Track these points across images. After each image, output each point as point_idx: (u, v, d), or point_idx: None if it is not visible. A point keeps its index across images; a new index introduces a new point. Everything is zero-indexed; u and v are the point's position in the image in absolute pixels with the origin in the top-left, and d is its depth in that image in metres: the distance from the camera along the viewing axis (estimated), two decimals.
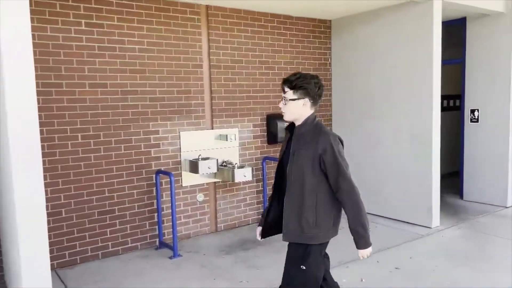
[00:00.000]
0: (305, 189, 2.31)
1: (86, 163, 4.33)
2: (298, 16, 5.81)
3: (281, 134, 5.52)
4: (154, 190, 4.76)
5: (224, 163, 5.16)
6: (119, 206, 4.56)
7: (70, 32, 4.14)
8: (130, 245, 4.66)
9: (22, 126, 2.86)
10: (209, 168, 4.85)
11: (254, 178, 5.51)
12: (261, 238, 2.64)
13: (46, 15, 4.00)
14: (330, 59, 6.24)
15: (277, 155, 5.73)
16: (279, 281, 2.51)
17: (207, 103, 5.16)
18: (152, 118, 4.72)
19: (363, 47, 5.86)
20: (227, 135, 5.18)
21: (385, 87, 5.64)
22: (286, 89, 2.37)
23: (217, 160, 4.98)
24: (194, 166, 4.86)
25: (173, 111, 4.87)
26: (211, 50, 5.10)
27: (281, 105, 2.42)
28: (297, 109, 2.36)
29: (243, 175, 4.96)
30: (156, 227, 4.81)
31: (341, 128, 6.10)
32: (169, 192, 4.81)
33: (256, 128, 5.58)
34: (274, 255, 4.37)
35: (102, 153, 4.42)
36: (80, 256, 4.36)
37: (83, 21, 4.21)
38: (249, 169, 5.02)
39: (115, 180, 4.51)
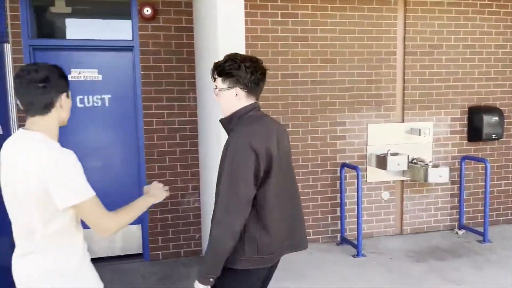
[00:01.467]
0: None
1: None
2: None
3: (488, 130, 4.71)
4: (338, 184, 4.61)
5: (415, 160, 4.67)
6: (303, 197, 4.56)
7: (267, 24, 4.25)
8: (311, 236, 4.63)
9: None
10: (398, 164, 4.44)
11: (450, 180, 4.85)
12: None
13: (248, 8, 4.18)
14: None
15: (479, 154, 4.97)
16: None
17: (398, 93, 4.72)
18: (339, 109, 4.55)
19: None
20: (419, 129, 4.66)
21: None
22: (215, 76, 1.87)
23: (408, 156, 4.52)
24: (381, 162, 4.52)
25: (361, 102, 4.60)
26: (406, 35, 4.62)
27: (215, 97, 1.92)
28: (230, 101, 1.85)
29: (438, 175, 4.40)
30: (339, 222, 4.66)
31: None
32: (354, 187, 4.59)
33: (455, 123, 4.88)
34: (477, 271, 3.75)
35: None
36: None
37: (279, 12, 4.27)
38: (446, 169, 4.42)
39: (300, 171, 4.52)
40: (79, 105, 4.02)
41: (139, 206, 1.76)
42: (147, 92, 4.06)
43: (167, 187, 1.92)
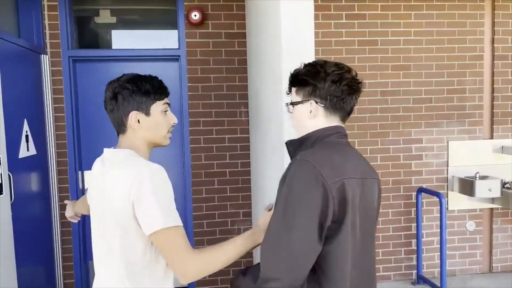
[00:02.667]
0: None
1: None
2: None
3: None
4: (413, 212, 3.91)
5: (508, 185, 3.88)
6: None
7: (330, 27, 3.71)
8: (381, 273, 3.95)
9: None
10: (490, 190, 3.69)
11: None
12: None
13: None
14: None
15: None
16: None
17: (486, 105, 3.98)
18: (414, 124, 3.89)
19: None
20: None
21: None
22: (291, 86, 1.46)
23: (502, 180, 3.76)
24: (468, 186, 3.78)
25: (440, 115, 3.91)
26: (495, 36, 3.90)
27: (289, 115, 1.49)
28: (303, 119, 1.41)
29: None
30: (414, 256, 3.94)
31: None
32: (431, 215, 3.90)
33: None
34: None
35: None
36: None
37: (343, 13, 3.72)
38: None
39: None
40: None
41: (241, 245, 1.36)
42: (194, 106, 3.62)
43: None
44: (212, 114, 3.65)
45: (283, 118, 2.37)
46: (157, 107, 1.45)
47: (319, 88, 1.36)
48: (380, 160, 3.86)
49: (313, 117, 1.38)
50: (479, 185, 3.68)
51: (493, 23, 3.90)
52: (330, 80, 1.35)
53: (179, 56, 3.61)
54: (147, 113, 1.44)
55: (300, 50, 2.28)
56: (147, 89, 1.44)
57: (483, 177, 3.80)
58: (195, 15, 3.51)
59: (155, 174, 1.30)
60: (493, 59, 3.93)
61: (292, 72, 1.46)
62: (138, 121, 1.43)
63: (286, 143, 1.49)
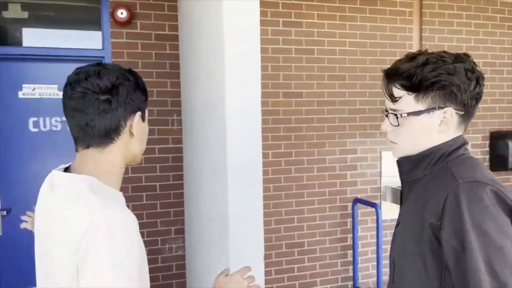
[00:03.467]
0: None
1: (276, 185, 3.69)
2: None
3: None
4: (349, 223, 3.89)
5: None
6: (309, 239, 3.81)
7: (266, 34, 3.58)
8: (318, 286, 3.86)
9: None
10: None
11: None
12: None
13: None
14: None
15: (504, 185, 4.31)
16: None
17: None
18: (350, 134, 3.88)
19: None
20: None
21: None
22: (398, 91, 1.12)
23: None
24: (398, 196, 3.84)
25: (374, 126, 3.95)
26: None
27: (386, 126, 1.18)
28: (426, 132, 1.11)
29: None
30: (350, 268, 3.91)
31: None
32: (367, 225, 3.91)
33: (476, 150, 4.29)
34: None
35: (292, 174, 3.73)
36: None
37: (280, 20, 3.62)
38: None
39: (305, 207, 3.78)
40: (32, 129, 3.19)
41: None
42: None
43: (252, 277, 1.25)
44: None
45: (226, 127, 2.16)
46: (145, 111, 1.14)
47: (463, 90, 1.05)
48: (316, 171, 3.80)
49: (445, 129, 1.09)
50: None
51: (421, 38, 4.06)
52: (475, 79, 1.07)
53: (103, 57, 3.25)
54: (144, 118, 1.12)
55: (246, 51, 2.11)
56: (143, 86, 1.12)
57: None
58: (121, 13, 3.19)
59: (118, 227, 0.93)
60: None
61: (397, 69, 1.11)
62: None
63: (398, 160, 1.18)
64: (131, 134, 1.08)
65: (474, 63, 1.10)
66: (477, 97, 1.09)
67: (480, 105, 1.46)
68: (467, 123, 1.13)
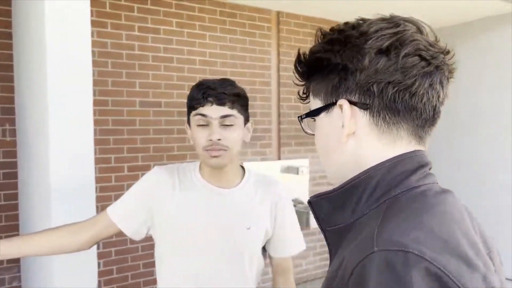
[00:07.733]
0: None
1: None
2: None
3: None
4: None
5: (293, 203, 4.20)
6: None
7: (120, 38, 3.34)
8: None
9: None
10: None
11: None
12: None
13: (94, 15, 3.22)
14: None
15: None
16: None
17: (274, 128, 4.26)
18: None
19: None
20: (297, 168, 4.24)
21: None
22: (300, 82, 0.79)
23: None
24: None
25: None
26: (281, 65, 4.23)
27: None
28: (334, 141, 0.71)
29: None
30: None
31: None
32: None
33: None
34: None
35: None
36: None
37: (136, 24, 3.41)
38: None
39: None
40: None
41: None
42: None
43: None
44: None
45: (48, 139, 1.88)
46: (193, 118, 1.30)
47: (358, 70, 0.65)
48: None
49: (363, 137, 0.67)
50: None
51: (279, 53, 4.23)
52: (401, 56, 0.63)
53: None
54: (189, 125, 1.35)
55: (72, 55, 1.87)
56: (189, 97, 1.32)
57: None
58: None
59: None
60: (279, 86, 4.24)
61: (300, 55, 0.73)
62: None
63: (309, 201, 0.72)
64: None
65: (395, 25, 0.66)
66: (425, 86, 0.64)
67: None
68: (405, 128, 0.66)
